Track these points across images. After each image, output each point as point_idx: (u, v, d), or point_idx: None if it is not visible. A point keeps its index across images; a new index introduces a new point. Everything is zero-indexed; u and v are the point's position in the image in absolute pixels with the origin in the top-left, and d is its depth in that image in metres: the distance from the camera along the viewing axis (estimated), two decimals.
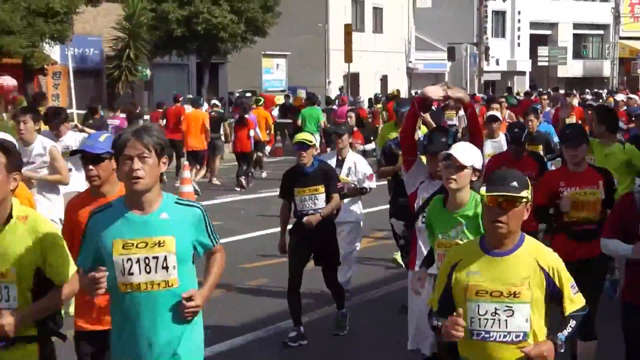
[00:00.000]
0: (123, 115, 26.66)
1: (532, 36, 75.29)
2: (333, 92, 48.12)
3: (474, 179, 7.62)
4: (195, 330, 6.11)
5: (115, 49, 41.47)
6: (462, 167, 7.42)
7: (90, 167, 7.13)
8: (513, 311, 5.67)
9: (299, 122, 31.81)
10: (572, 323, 5.87)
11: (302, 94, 45.06)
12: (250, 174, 28.02)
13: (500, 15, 71.78)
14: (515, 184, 5.65)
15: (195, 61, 47.39)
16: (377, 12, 62.93)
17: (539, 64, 74.35)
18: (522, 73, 72.95)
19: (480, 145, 8.43)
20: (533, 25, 75.16)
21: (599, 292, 9.99)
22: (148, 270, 5.85)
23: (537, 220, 10.27)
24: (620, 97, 33.03)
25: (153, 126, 6.25)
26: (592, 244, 8.93)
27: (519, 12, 73.11)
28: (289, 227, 11.92)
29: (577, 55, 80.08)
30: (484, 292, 5.70)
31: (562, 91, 46.60)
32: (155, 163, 5.83)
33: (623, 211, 8.02)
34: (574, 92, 47.06)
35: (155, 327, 5.91)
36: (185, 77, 48.92)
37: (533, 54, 74.71)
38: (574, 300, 5.83)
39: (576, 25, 79.72)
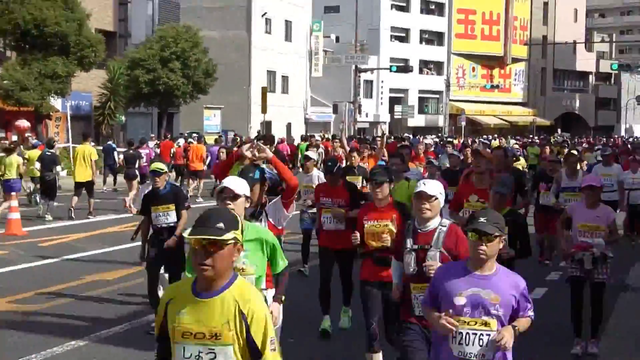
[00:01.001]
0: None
1: (390, 98, 75.79)
2: (252, 134, 48.09)
3: (247, 205, 6.11)
4: None
5: (101, 101, 41.40)
6: (237, 197, 5.90)
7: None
8: (215, 354, 4.00)
9: None
10: None
11: (231, 134, 45.01)
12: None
13: (369, 83, 72.26)
14: (220, 225, 3.93)
15: (157, 111, 47.07)
16: (285, 79, 63.01)
17: (395, 117, 74.92)
18: (384, 123, 73.57)
19: (293, 187, 7.26)
20: (391, 90, 75.67)
21: None
22: None
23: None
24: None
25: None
26: (389, 269, 7.41)
27: (382, 81, 73.65)
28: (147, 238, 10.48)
29: (421, 111, 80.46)
30: (189, 334, 4.01)
31: (410, 136, 47.02)
32: None
33: (398, 236, 6.99)
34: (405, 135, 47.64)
35: None
36: (149, 122, 48.55)
37: (391, 110, 75.33)
38: (267, 358, 4.01)
39: (420, 91, 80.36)
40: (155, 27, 47.04)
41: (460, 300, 5.05)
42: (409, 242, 6.56)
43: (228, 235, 3.96)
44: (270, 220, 7.15)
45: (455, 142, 42.43)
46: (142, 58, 42.39)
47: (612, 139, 62.88)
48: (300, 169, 15.24)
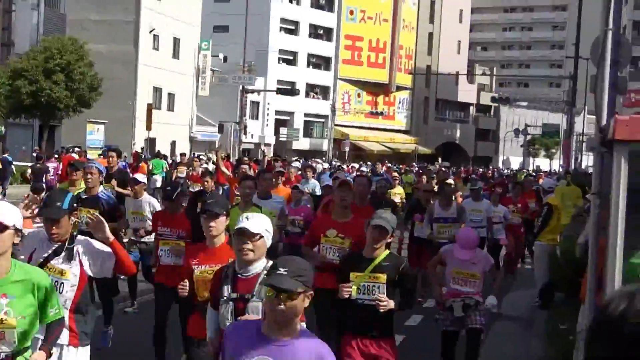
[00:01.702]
0: None
1: (276, 120, 76.34)
2: (137, 150, 47.62)
3: (16, 240, 4.80)
4: None
5: None
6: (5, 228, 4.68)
7: None
8: None
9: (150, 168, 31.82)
10: None
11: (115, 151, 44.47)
12: None
13: (255, 104, 72.61)
14: None
15: (39, 123, 46.15)
16: (171, 96, 62.77)
17: (281, 139, 75.50)
18: (269, 144, 73.96)
19: (129, 273, 6.74)
20: (277, 112, 76.22)
21: None
22: None
23: None
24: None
25: None
26: None
27: (269, 103, 74.19)
28: None
29: (306, 134, 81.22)
30: None
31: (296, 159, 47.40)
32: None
33: (214, 280, 5.74)
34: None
35: None
36: (30, 134, 47.54)
37: (277, 132, 75.83)
38: None
39: (306, 114, 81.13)
40: (40, 38, 46.24)
41: None
42: (226, 290, 5.42)
43: None
44: (87, 268, 5.85)
45: (345, 167, 42.95)
46: (24, 68, 41.57)
47: (489, 170, 64.86)
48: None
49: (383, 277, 6.88)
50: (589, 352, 1.70)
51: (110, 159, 15.77)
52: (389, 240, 7.47)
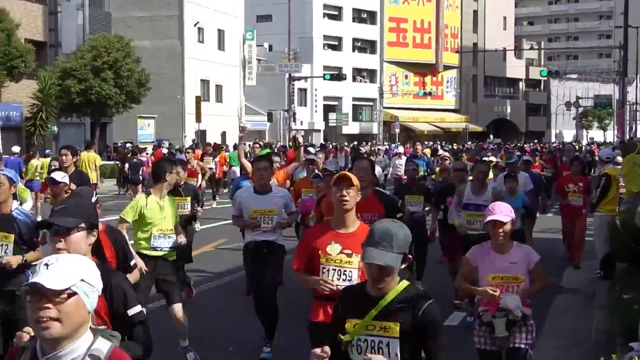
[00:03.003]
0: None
1: (325, 106, 76.29)
2: (187, 144, 47.93)
3: None
4: None
5: (32, 112, 40.66)
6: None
7: None
8: None
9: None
10: None
11: (166, 144, 44.77)
12: None
13: (303, 91, 72.64)
14: None
15: (90, 121, 46.60)
16: (219, 88, 62.98)
17: (330, 124, 75.46)
18: (318, 130, 73.95)
19: None
20: (325, 98, 76.19)
21: None
22: None
23: None
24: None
25: None
26: None
27: (316, 90, 74.15)
28: None
29: (355, 118, 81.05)
30: None
31: (345, 144, 47.22)
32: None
33: None
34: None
35: None
36: (82, 132, 48.00)
37: (325, 118, 75.78)
38: None
39: (354, 99, 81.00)
40: (87, 37, 46.62)
41: None
42: None
43: None
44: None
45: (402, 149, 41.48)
46: (73, 68, 41.97)
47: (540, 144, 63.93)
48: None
49: (395, 328, 4.24)
50: None
51: (64, 157, 13.51)
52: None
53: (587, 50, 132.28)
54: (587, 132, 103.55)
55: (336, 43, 79.57)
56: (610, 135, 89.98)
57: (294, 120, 62.55)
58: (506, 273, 6.58)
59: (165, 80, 54.10)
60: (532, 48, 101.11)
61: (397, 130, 72.06)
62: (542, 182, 18.15)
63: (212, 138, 55.42)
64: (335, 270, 5.85)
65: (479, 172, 11.18)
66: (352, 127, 78.66)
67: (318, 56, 75.35)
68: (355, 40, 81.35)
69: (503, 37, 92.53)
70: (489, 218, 6.53)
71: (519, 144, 61.12)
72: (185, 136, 55.31)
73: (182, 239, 9.19)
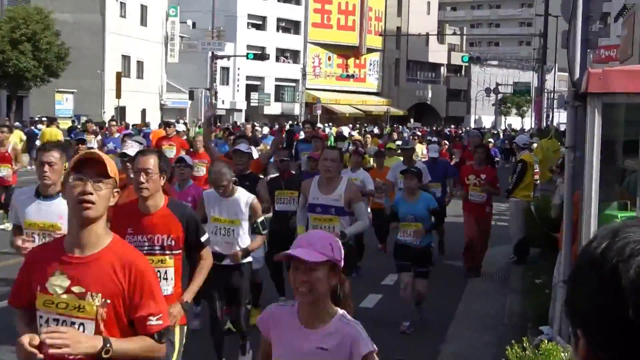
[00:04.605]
0: None
1: (247, 85, 76.00)
2: (107, 119, 47.45)
3: None
4: None
5: None
6: None
7: None
8: None
9: None
10: None
11: (83, 119, 44.25)
12: None
13: (225, 70, 72.22)
14: None
15: (6, 94, 45.71)
16: (140, 64, 62.27)
17: (252, 104, 75.24)
18: (240, 110, 73.71)
19: None
20: (248, 78, 75.89)
21: None
22: None
23: None
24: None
25: None
26: None
27: (239, 69, 73.85)
28: None
29: (277, 99, 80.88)
30: None
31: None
32: None
33: None
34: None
35: None
36: None
37: (247, 97, 75.55)
38: None
39: (277, 79, 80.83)
40: (5, 8, 45.64)
41: None
42: None
43: None
44: None
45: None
46: None
47: (455, 129, 64.88)
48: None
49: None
50: (570, 302, 1.50)
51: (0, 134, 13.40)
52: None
53: (508, 37, 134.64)
54: (506, 119, 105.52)
55: (260, 22, 79.28)
56: (528, 122, 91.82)
57: (216, 99, 62.23)
58: None
59: (85, 54, 53.29)
60: (454, 33, 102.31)
61: (319, 112, 72.25)
62: (451, 170, 15.56)
63: (132, 115, 54.87)
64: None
65: (325, 160, 8.24)
66: (274, 108, 78.54)
67: (242, 35, 74.98)
68: (279, 20, 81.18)
69: (427, 21, 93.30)
70: (286, 252, 3.55)
71: (437, 129, 61.99)
72: (104, 112, 54.61)
73: None
